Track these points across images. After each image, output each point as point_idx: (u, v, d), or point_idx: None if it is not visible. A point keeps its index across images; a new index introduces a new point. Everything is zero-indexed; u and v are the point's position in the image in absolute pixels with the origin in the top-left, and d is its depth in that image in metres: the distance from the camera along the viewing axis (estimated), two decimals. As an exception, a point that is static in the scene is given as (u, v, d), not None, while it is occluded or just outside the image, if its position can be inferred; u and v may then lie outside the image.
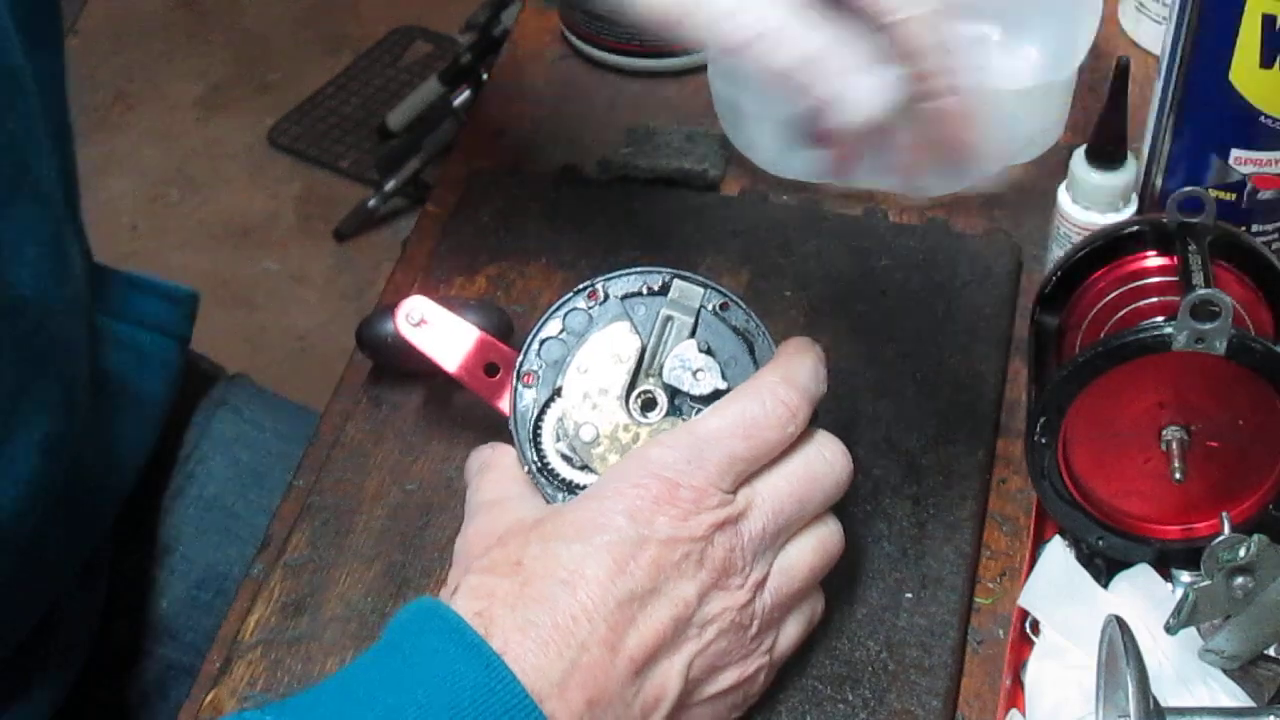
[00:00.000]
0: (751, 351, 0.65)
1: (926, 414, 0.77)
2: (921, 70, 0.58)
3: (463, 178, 0.93)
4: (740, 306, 0.65)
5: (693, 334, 0.65)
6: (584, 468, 0.64)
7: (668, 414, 0.65)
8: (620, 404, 0.64)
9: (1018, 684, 0.67)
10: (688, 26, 0.58)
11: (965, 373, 0.78)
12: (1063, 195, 0.80)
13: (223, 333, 0.93)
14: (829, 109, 0.58)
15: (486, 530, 0.62)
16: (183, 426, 0.93)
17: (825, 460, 0.62)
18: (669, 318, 0.65)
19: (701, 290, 0.65)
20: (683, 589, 0.58)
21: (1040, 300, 0.72)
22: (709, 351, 0.65)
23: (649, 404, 0.65)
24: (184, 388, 0.92)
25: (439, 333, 0.66)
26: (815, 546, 0.63)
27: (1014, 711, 0.65)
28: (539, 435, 0.65)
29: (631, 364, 0.65)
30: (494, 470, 0.66)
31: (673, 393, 0.65)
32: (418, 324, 0.66)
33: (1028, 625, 0.68)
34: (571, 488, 0.64)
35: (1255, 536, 0.61)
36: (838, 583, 0.70)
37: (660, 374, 0.65)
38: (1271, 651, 0.64)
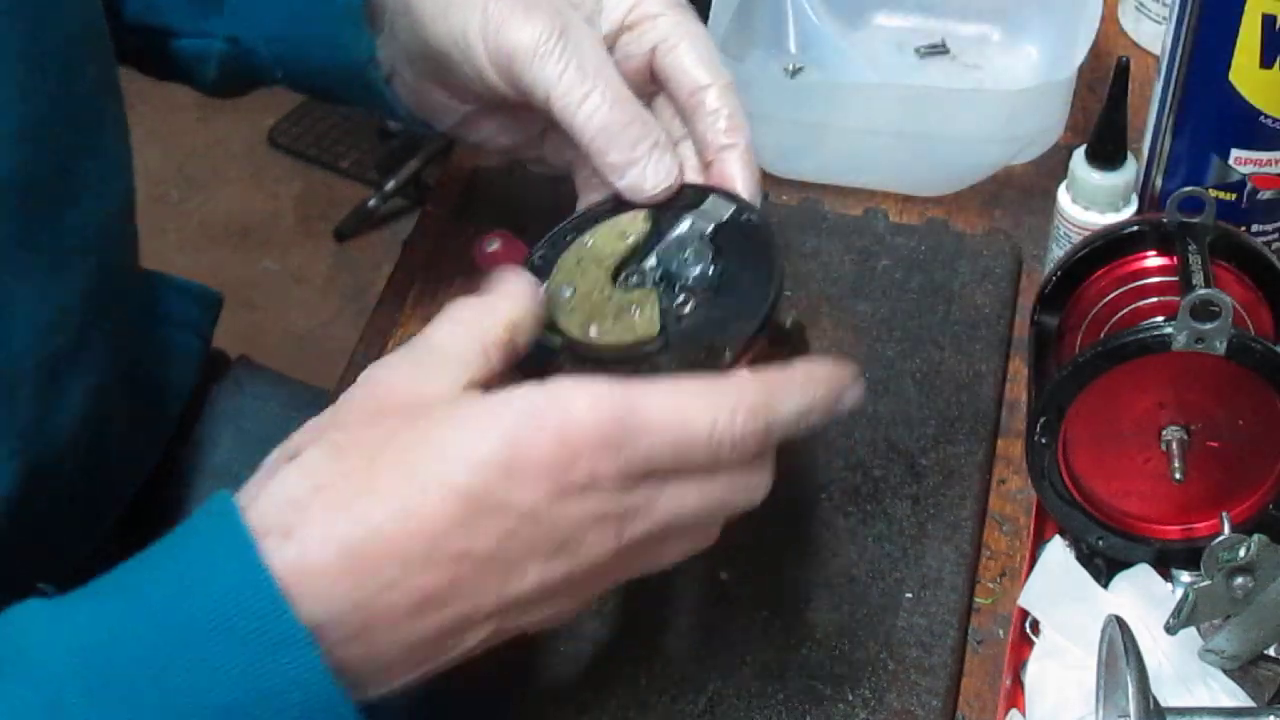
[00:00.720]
0: (754, 265, 0.60)
1: (926, 414, 0.77)
2: (716, 127, 0.66)
3: (463, 178, 0.93)
4: (767, 229, 0.61)
5: (709, 237, 0.62)
6: (551, 326, 0.60)
7: (650, 287, 0.61)
8: (607, 272, 0.61)
9: (1018, 684, 0.67)
10: (527, 77, 0.65)
11: (965, 373, 0.78)
12: (1063, 195, 0.80)
13: (222, 332, 0.95)
14: (623, 175, 0.64)
15: (391, 384, 0.55)
16: (190, 404, 0.94)
17: (746, 491, 0.56)
18: (692, 221, 0.62)
19: (733, 206, 0.63)
20: (525, 569, 0.52)
21: (1040, 300, 0.72)
22: (715, 248, 0.61)
23: (637, 283, 0.61)
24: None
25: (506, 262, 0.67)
26: (681, 552, 0.58)
27: (1014, 711, 0.65)
28: None
29: (632, 240, 0.62)
30: (451, 322, 0.57)
31: (663, 276, 0.61)
32: (490, 253, 0.70)
33: (1028, 625, 0.68)
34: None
35: (1255, 536, 0.61)
36: (838, 582, 0.70)
37: (656, 260, 0.61)
38: (1271, 651, 0.64)
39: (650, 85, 0.69)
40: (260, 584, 0.50)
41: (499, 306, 0.57)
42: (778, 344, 0.60)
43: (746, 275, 0.60)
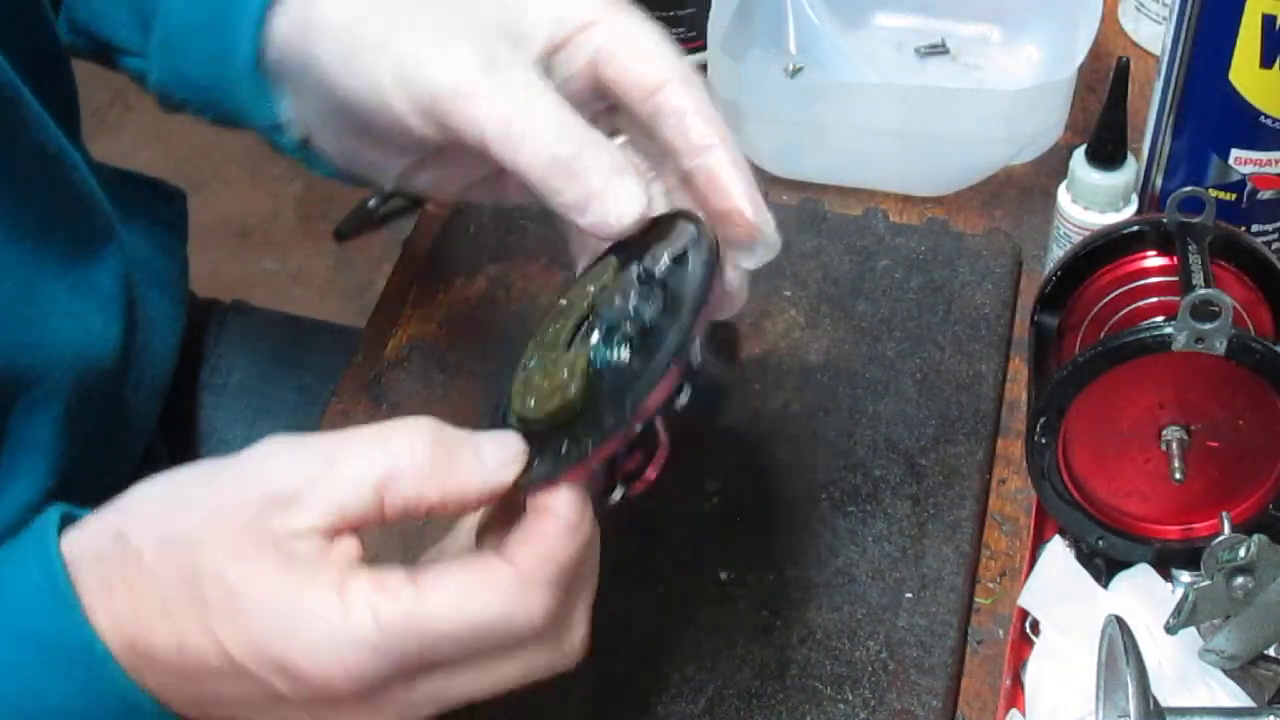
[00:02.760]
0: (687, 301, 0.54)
1: (926, 414, 0.77)
2: (684, 128, 0.57)
3: (463, 178, 0.93)
4: (710, 253, 0.55)
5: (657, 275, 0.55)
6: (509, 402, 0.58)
7: (589, 342, 0.55)
8: (565, 333, 0.57)
9: (1018, 684, 0.67)
10: (455, 120, 0.56)
11: (965, 373, 0.78)
12: (1063, 195, 0.80)
13: (224, 332, 0.99)
14: (583, 212, 0.55)
15: (274, 491, 0.52)
16: (199, 336, 0.96)
17: (550, 665, 0.55)
18: (647, 258, 0.56)
19: (689, 229, 0.56)
20: None
21: (1040, 300, 0.72)
22: (661, 285, 0.55)
23: (586, 331, 0.56)
24: (194, 305, 0.96)
25: None
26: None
27: (1014, 711, 0.65)
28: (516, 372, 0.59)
29: (593, 291, 0.57)
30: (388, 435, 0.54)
31: (608, 328, 0.55)
32: None
33: (1028, 625, 0.68)
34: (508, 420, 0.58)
35: (1255, 536, 0.61)
36: (838, 582, 0.70)
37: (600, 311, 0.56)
38: (1271, 651, 0.64)
39: (603, 106, 0.60)
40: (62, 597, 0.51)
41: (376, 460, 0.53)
42: (701, 371, 0.54)
43: (678, 315, 0.54)
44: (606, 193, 0.55)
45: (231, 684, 0.51)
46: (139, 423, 0.84)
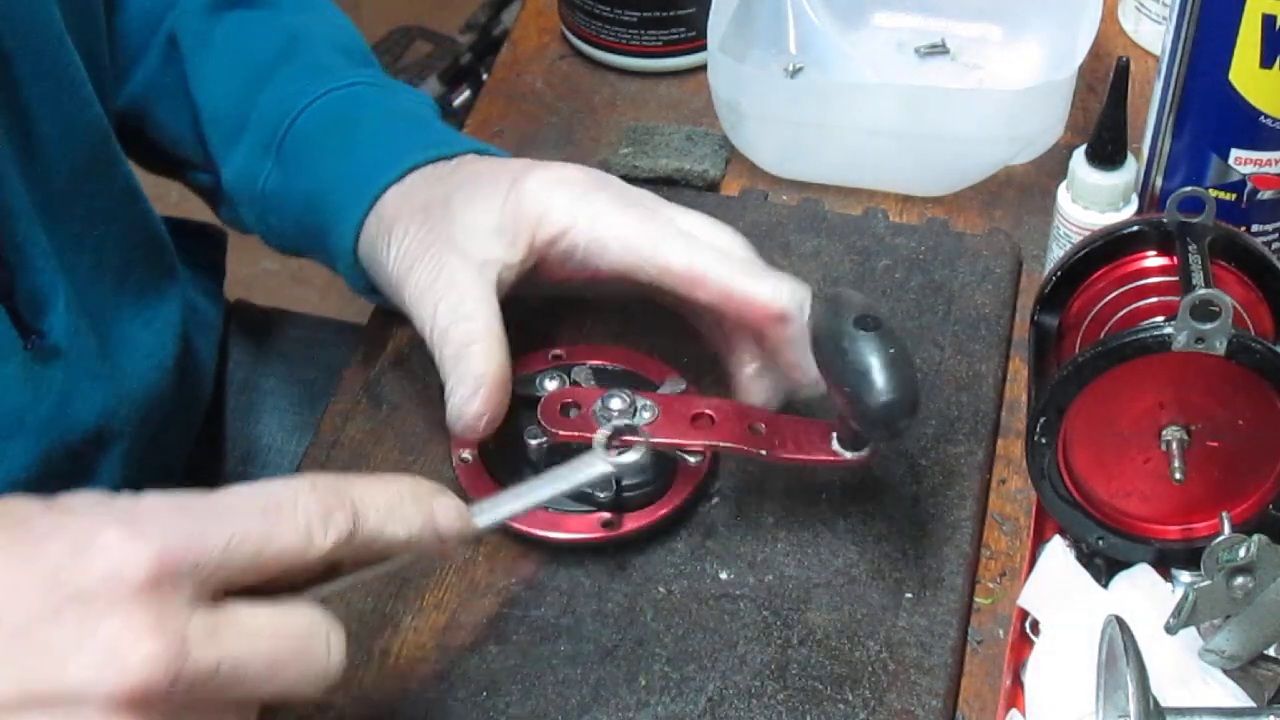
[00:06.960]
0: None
1: (926, 414, 0.76)
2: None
3: (463, 178, 0.93)
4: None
5: None
6: None
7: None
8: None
9: (1018, 684, 0.67)
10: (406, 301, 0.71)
11: (965, 373, 0.78)
12: (1063, 195, 0.80)
13: (222, 333, 0.99)
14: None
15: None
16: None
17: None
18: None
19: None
20: None
21: (1040, 300, 0.72)
22: None
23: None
24: None
25: None
26: None
27: (1014, 711, 0.65)
28: None
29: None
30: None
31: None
32: None
33: (1028, 625, 0.68)
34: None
35: (1255, 536, 0.61)
36: (838, 582, 0.70)
37: None
38: (1271, 651, 0.64)
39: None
40: None
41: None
42: None
43: None
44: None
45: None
46: (177, 453, 0.87)
